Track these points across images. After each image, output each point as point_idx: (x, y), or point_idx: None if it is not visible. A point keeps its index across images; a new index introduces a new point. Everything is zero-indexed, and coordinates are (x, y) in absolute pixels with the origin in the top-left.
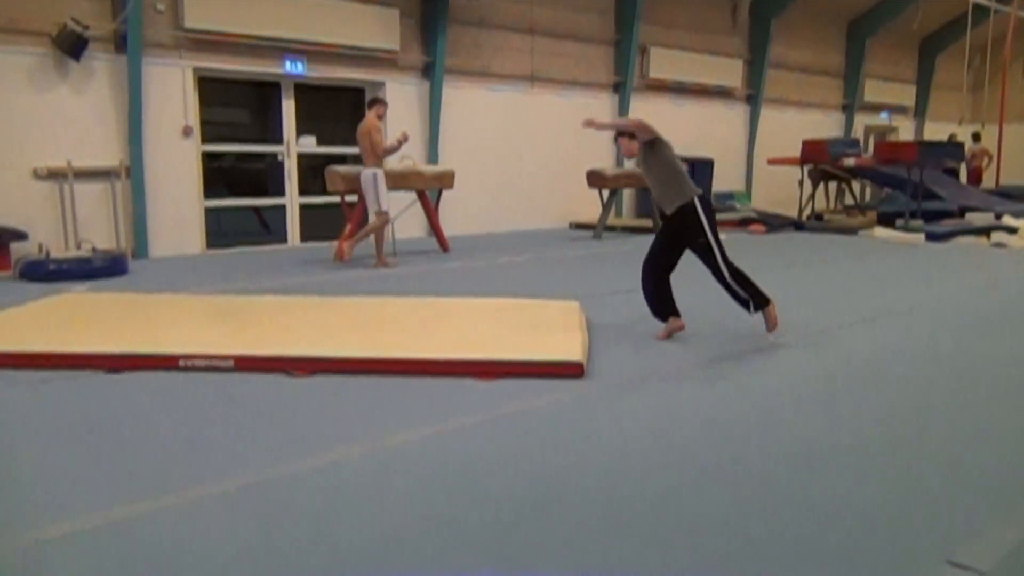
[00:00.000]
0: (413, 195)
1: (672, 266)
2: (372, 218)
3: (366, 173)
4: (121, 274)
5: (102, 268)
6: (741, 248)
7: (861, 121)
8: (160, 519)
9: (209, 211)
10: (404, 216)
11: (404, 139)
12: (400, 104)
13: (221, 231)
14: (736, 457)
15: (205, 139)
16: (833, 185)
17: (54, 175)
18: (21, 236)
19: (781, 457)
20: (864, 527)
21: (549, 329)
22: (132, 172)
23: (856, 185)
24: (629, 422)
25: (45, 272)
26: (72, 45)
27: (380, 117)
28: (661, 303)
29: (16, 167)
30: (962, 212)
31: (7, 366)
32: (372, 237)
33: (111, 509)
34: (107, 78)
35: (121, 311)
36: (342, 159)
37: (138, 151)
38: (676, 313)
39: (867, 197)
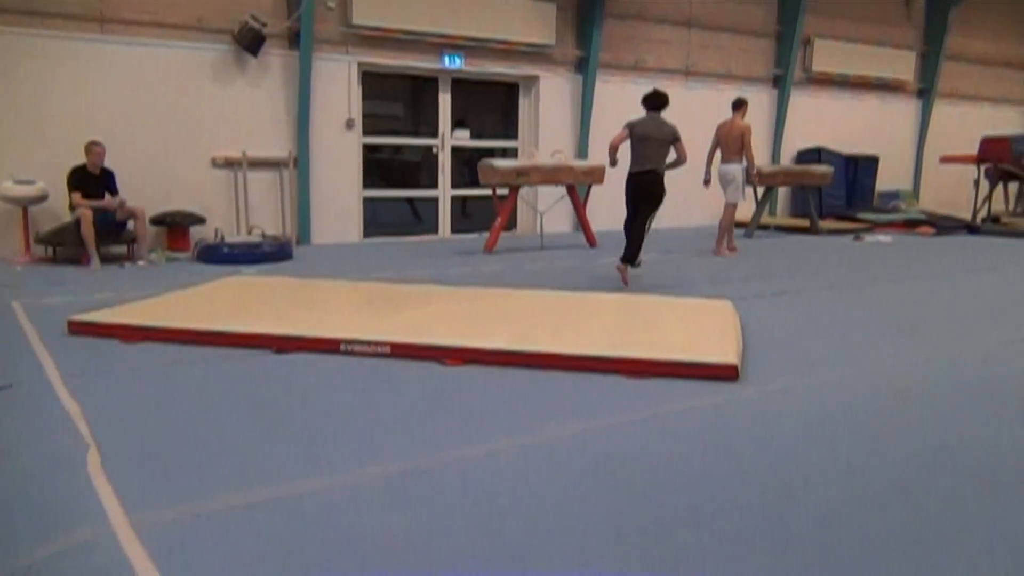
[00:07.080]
0: (563, 190)
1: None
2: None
3: (731, 167)
4: (286, 259)
5: (270, 253)
6: (902, 250)
7: None
8: (330, 496)
9: (366, 201)
10: (552, 211)
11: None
12: (552, 98)
13: (376, 220)
14: (911, 474)
15: (365, 132)
16: (1014, 186)
17: (230, 164)
18: (200, 220)
19: (967, 476)
20: None
21: (701, 329)
22: (299, 162)
23: None
24: (788, 429)
25: (220, 255)
26: (251, 41)
27: (744, 116)
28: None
29: (198, 155)
30: None
31: (186, 341)
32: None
33: (287, 483)
34: (280, 73)
35: (287, 294)
36: (491, 152)
37: (305, 142)
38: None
39: None
